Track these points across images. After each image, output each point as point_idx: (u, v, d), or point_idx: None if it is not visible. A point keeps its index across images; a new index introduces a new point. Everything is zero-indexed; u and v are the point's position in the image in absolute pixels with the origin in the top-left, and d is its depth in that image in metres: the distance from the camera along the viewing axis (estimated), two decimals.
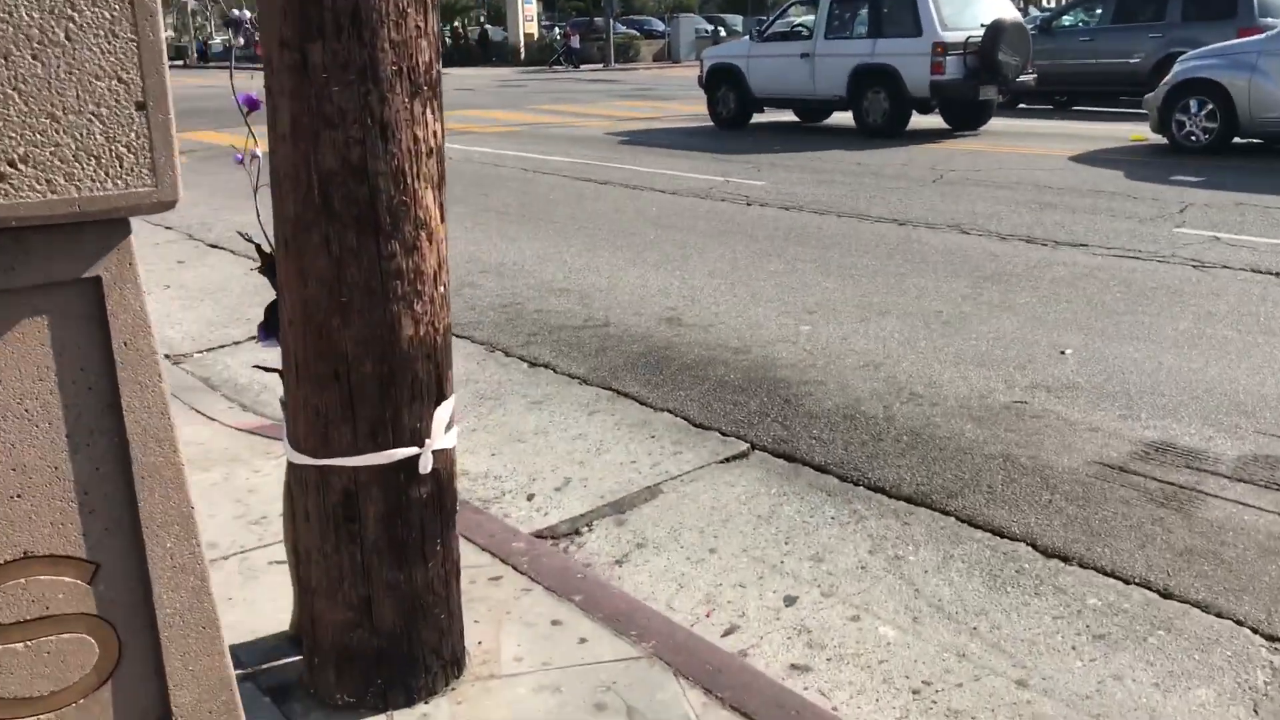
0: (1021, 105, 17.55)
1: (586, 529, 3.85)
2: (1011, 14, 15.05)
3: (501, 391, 5.25)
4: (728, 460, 4.35)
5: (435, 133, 2.40)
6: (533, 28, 52.02)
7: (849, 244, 8.07)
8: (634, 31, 55.92)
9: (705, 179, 11.55)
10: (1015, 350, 5.51)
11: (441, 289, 2.50)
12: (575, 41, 46.19)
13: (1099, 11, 19.37)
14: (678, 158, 13.50)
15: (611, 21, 46.90)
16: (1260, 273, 6.74)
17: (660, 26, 58.52)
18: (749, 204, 9.98)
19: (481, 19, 67.88)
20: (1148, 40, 17.70)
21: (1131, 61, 17.77)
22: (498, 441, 4.62)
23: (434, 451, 2.48)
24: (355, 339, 2.36)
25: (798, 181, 11.17)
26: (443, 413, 2.50)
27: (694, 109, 19.15)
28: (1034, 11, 32.75)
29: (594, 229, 9.06)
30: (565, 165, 13.09)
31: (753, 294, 6.78)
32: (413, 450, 2.44)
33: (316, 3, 2.20)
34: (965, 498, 3.92)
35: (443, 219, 2.49)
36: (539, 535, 3.81)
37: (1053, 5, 53.48)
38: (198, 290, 7.49)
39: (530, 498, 4.09)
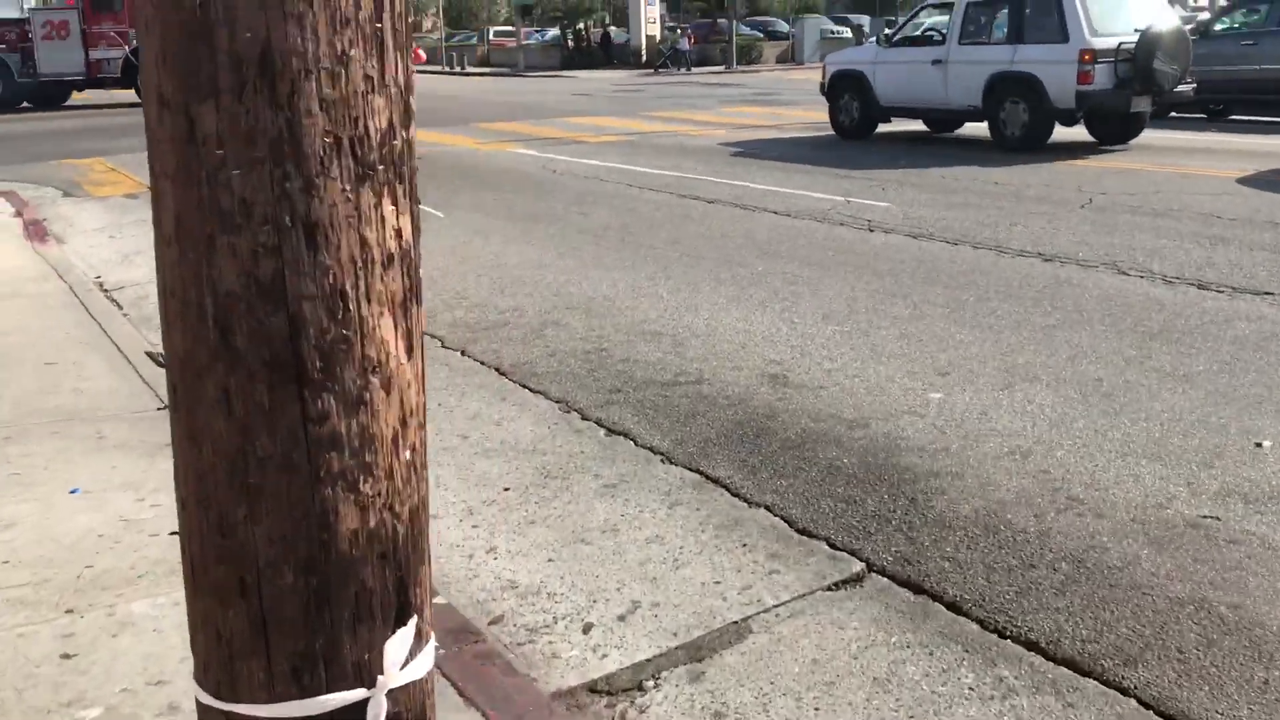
0: (1173, 114, 16.10)
1: (652, 683, 3.03)
2: (1169, 18, 13.70)
3: (570, 468, 4.46)
4: (837, 586, 3.48)
5: (398, 232, 1.60)
6: (655, 30, 51.33)
7: (987, 284, 7.07)
8: (757, 33, 54.84)
9: (824, 199, 10.61)
10: (1197, 438, 4.49)
11: (408, 454, 1.69)
12: (684, 44, 45.26)
13: (1262, 13, 17.76)
14: (794, 173, 12.56)
15: (734, 23, 45.94)
16: None
17: (784, 28, 57.34)
18: (871, 229, 9.03)
19: (606, 20, 67.63)
20: None
21: None
22: (558, 541, 3.84)
23: (391, 692, 1.69)
24: (269, 537, 1.58)
25: (927, 203, 10.15)
26: (403, 637, 1.70)
27: (815, 116, 18.17)
28: (1180, 12, 30.65)
29: (697, 257, 8.23)
30: (673, 180, 12.28)
31: (873, 347, 5.87)
32: (356, 694, 1.65)
33: (207, 42, 1.42)
34: (1148, 666, 2.98)
35: (411, 353, 1.68)
36: (593, 689, 3.01)
37: (1195, 3, 50.68)
38: None
39: (587, 629, 3.30)
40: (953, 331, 6.07)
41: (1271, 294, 6.49)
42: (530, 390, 5.43)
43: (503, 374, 5.70)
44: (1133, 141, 14.00)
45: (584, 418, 5.03)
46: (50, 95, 27.42)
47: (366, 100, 1.51)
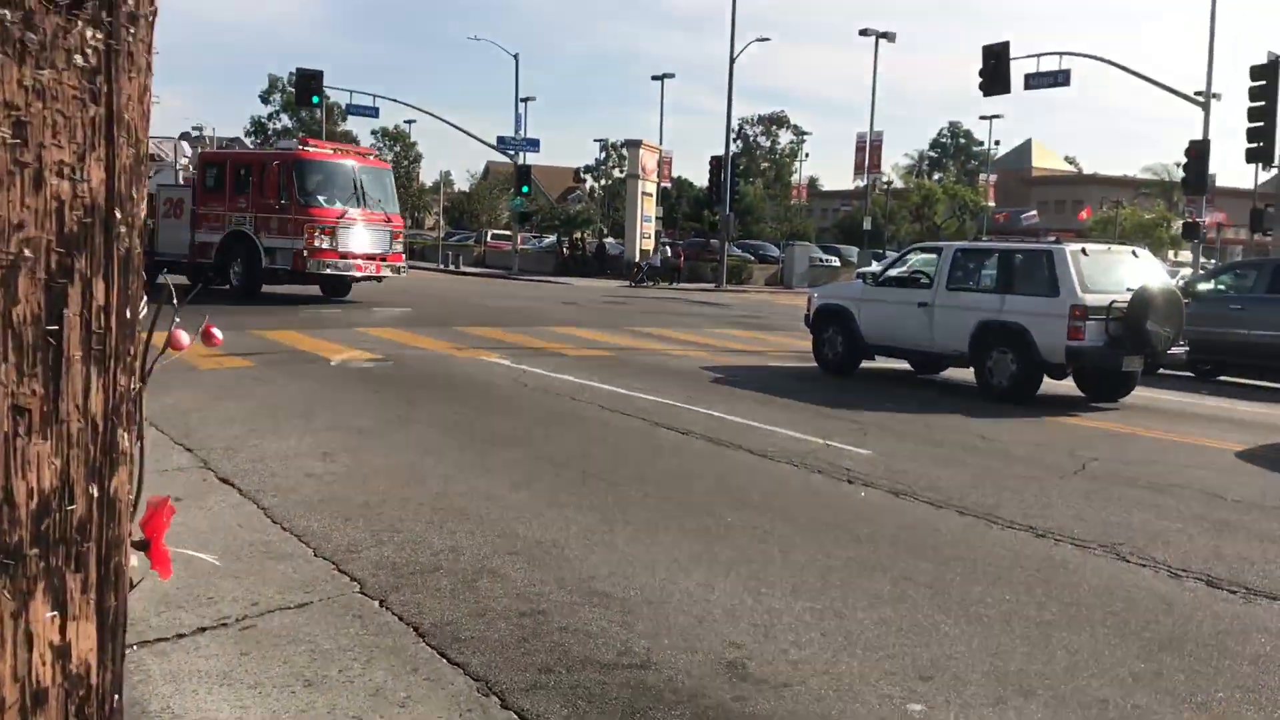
0: (1161, 371, 15.84)
1: None
2: (1161, 279, 13.56)
3: None
4: None
5: (62, 651, 0.96)
6: (649, 243, 52.29)
7: (975, 562, 6.41)
8: (748, 255, 55.95)
9: (802, 440, 10.05)
10: None
11: None
12: (657, 260, 45.98)
13: (1250, 279, 17.82)
14: (774, 407, 12.07)
15: (726, 244, 46.84)
16: None
17: (775, 252, 58.59)
18: (851, 481, 8.42)
19: (602, 231, 69.20)
20: None
21: None
22: None
23: None
24: None
25: (910, 455, 9.59)
26: None
27: (799, 344, 17.88)
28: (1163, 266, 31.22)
29: (662, 499, 7.58)
30: (648, 406, 11.76)
31: (847, 633, 5.15)
32: None
33: None
34: None
35: None
36: None
37: (1175, 257, 52.05)
38: (176, 545, 6.14)
39: None
40: (937, 620, 5.36)
41: None
42: (449, 661, 4.66)
43: (421, 635, 4.94)
44: (1123, 400, 13.63)
45: (504, 705, 4.25)
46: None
47: (13, 449, 0.89)
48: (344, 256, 22.92)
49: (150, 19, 0.94)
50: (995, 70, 30.10)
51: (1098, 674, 4.78)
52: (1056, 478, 8.87)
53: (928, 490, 8.20)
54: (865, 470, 8.82)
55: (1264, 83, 25.28)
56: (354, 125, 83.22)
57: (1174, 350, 13.20)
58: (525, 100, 57.66)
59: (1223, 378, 17.23)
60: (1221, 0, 30.93)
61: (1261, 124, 25.38)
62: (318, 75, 35.16)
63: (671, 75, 68.99)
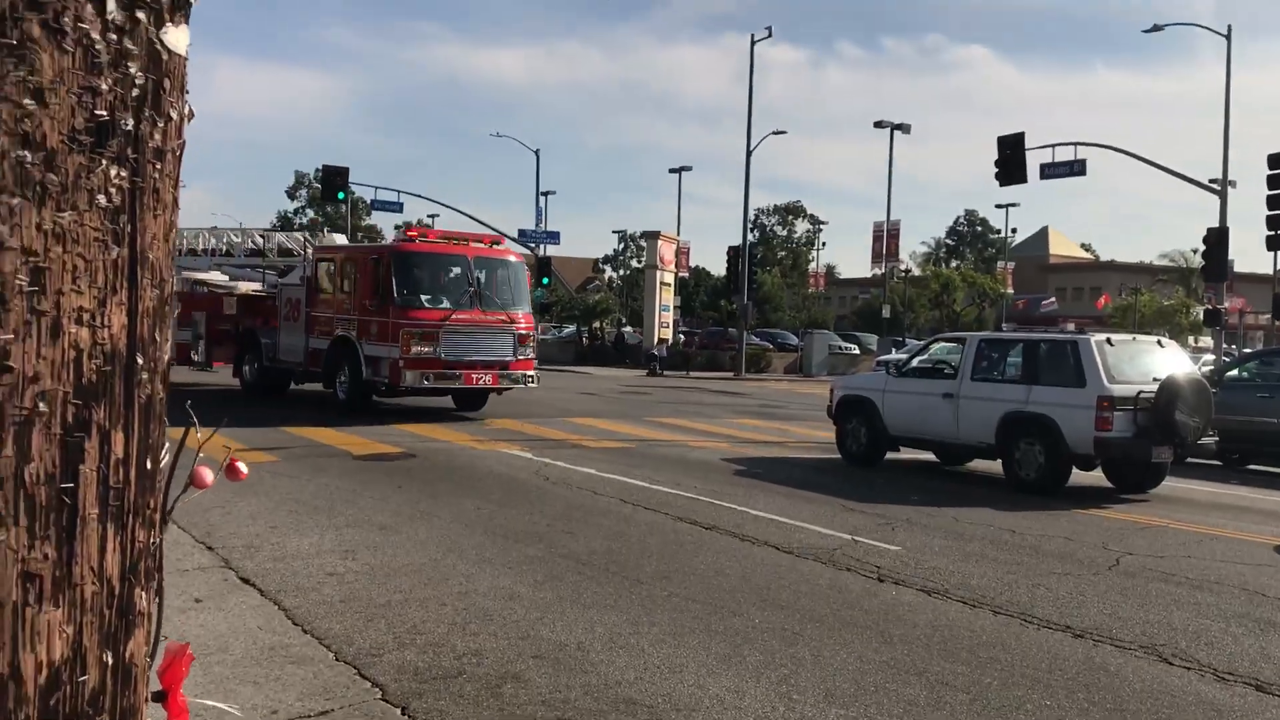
0: (1189, 460, 15.59)
1: None
2: (1187, 369, 13.42)
3: None
4: None
5: None
6: (667, 333, 52.41)
7: (1011, 663, 6.20)
8: (766, 344, 55.98)
9: (829, 535, 9.88)
10: None
11: None
12: (664, 350, 46.01)
13: (1278, 366, 17.65)
14: (799, 501, 11.90)
15: (744, 333, 46.91)
16: None
17: (794, 340, 58.61)
18: (881, 579, 8.23)
19: (621, 321, 69.53)
20: None
21: None
22: None
23: None
24: None
25: (940, 551, 9.40)
26: None
27: (822, 435, 17.73)
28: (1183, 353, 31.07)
29: (687, 599, 7.41)
30: (670, 499, 11.62)
31: None
32: None
33: None
34: None
35: None
36: None
37: (1196, 344, 51.76)
38: (195, 648, 6.02)
39: None
40: None
41: None
42: None
43: None
44: (1153, 491, 13.40)
45: None
46: (276, 384, 22.94)
47: (21, 620, 0.81)
48: (449, 366, 18.86)
49: (178, 152, 0.89)
50: (1011, 160, 30.32)
51: None
52: (1090, 573, 8.66)
53: (960, 588, 8.00)
54: (894, 567, 8.64)
55: None
56: (378, 219, 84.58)
57: (1203, 440, 13.00)
58: (546, 194, 58.48)
59: (1252, 466, 16.95)
60: (1235, 89, 31.23)
61: None
62: (343, 171, 35.75)
63: (689, 168, 69.97)
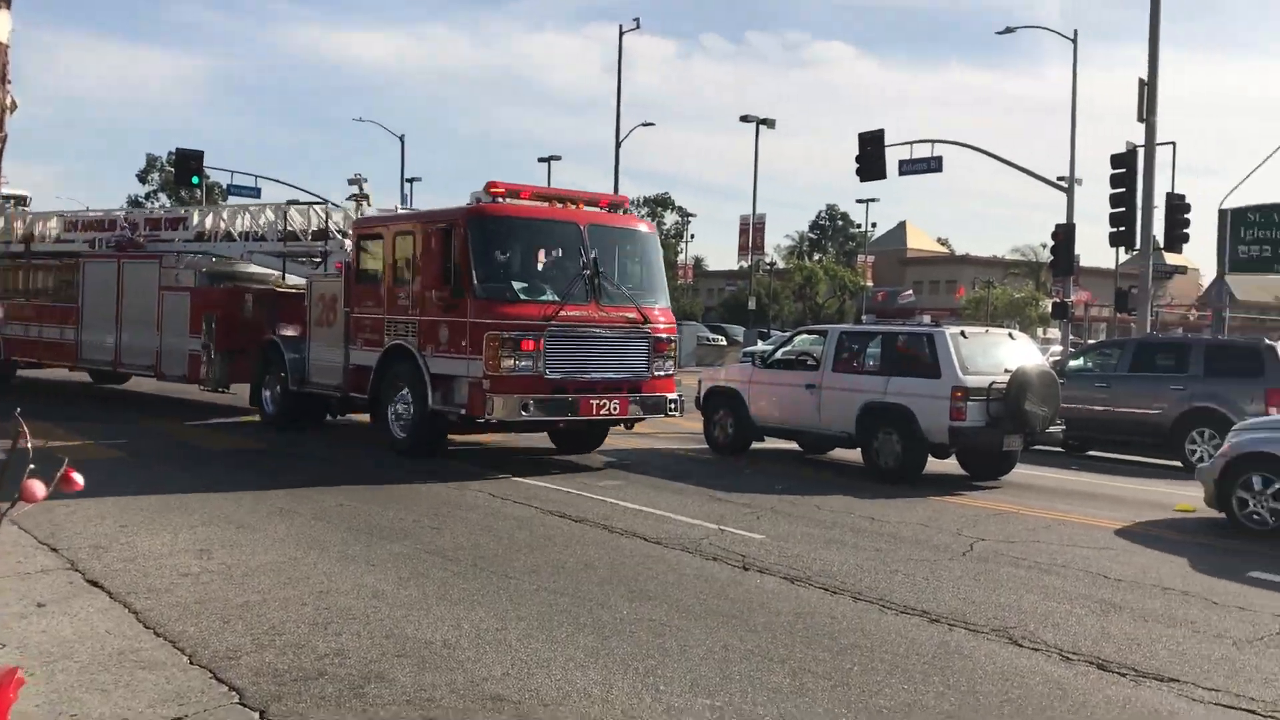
0: (1038, 447, 16.27)
1: None
2: (1037, 361, 14.00)
3: None
4: None
5: None
6: None
7: (871, 648, 6.37)
8: None
9: (697, 525, 9.99)
10: None
11: None
12: None
13: (1114, 357, 18.54)
14: (668, 492, 12.01)
15: None
16: None
17: None
18: (746, 568, 8.36)
19: None
20: (1169, 392, 16.74)
21: (1152, 413, 16.73)
22: None
23: None
24: None
25: (803, 538, 9.60)
26: None
27: (692, 425, 17.91)
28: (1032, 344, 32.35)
29: (556, 592, 7.40)
30: (540, 491, 11.60)
31: None
32: None
33: None
34: None
35: None
36: None
37: (1045, 335, 54.08)
38: (37, 654, 5.76)
39: None
40: (838, 714, 5.29)
41: (1178, 681, 5.92)
42: None
43: None
44: (1004, 478, 13.93)
45: None
46: (306, 414, 16.48)
47: None
48: (559, 389, 12.83)
49: None
50: (871, 156, 31.08)
51: None
52: (946, 559, 8.96)
53: (821, 575, 8.19)
54: (759, 555, 8.78)
55: (1124, 170, 26.58)
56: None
57: (1052, 429, 13.58)
58: (411, 180, 57.56)
59: (1091, 453, 17.78)
60: (1081, 90, 32.64)
61: (1123, 209, 26.62)
62: (198, 155, 34.45)
63: (558, 157, 69.82)
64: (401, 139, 57.10)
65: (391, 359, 13.94)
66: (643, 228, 15.07)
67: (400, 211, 17.11)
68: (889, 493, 12.46)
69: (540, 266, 13.89)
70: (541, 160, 67.21)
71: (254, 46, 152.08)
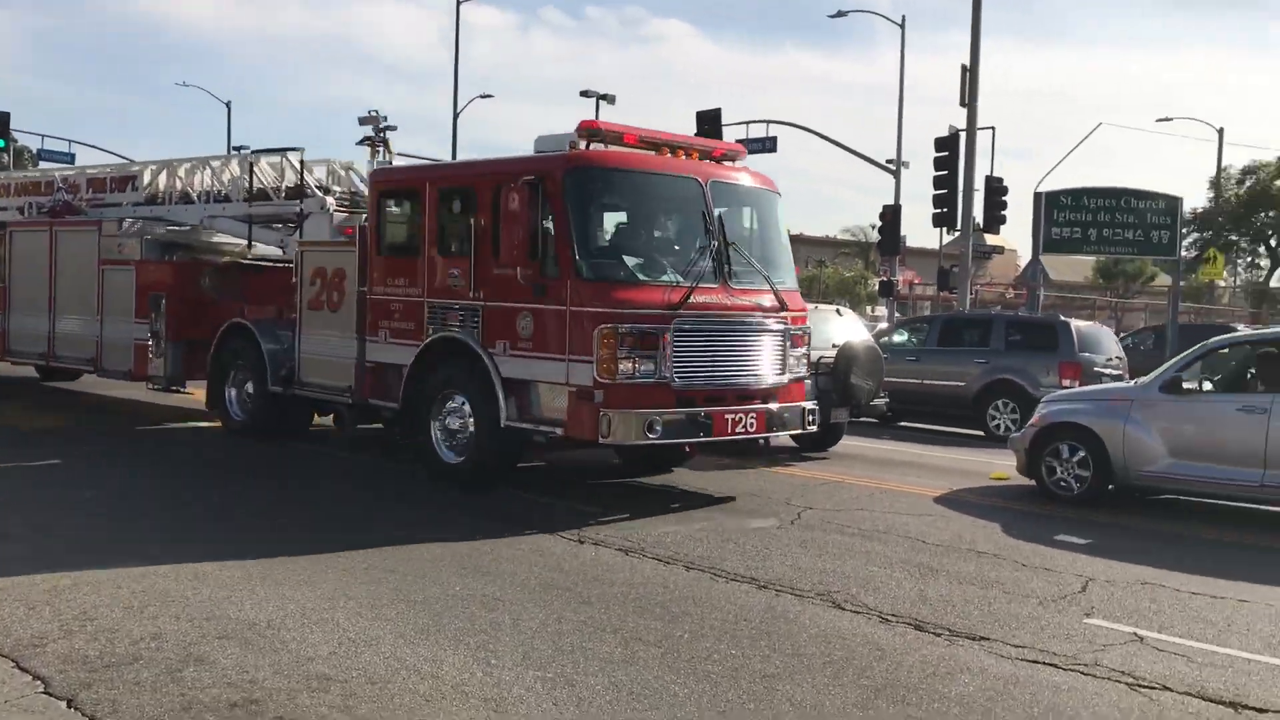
0: (859, 419, 16.85)
1: None
2: (863, 337, 14.45)
3: None
4: None
5: None
6: None
7: (701, 616, 6.49)
8: None
9: (529, 500, 9.97)
10: None
11: None
12: None
13: (926, 334, 19.35)
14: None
15: None
16: (1210, 700, 5.42)
17: None
18: (581, 542, 8.40)
19: None
20: (973, 365, 17.60)
21: (958, 385, 17.58)
22: None
23: None
24: None
25: (640, 510, 9.70)
26: None
27: None
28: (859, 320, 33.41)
29: (386, 570, 7.28)
30: (374, 467, 11.36)
31: (579, 701, 5.07)
32: None
33: None
34: None
35: None
36: None
37: (873, 313, 55.97)
38: None
39: None
40: (667, 680, 5.37)
41: (989, 639, 6.23)
42: None
43: None
44: (831, 449, 14.36)
45: None
46: (286, 422, 13.15)
47: None
48: (687, 400, 9.78)
49: None
50: (709, 135, 31.48)
51: None
52: (775, 528, 9.19)
53: (655, 546, 8.28)
54: (593, 529, 8.82)
55: (946, 153, 27.65)
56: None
57: (876, 402, 14.06)
58: (239, 148, 55.34)
59: (903, 423, 18.42)
60: (909, 75, 33.78)
61: (945, 191, 27.69)
62: (3, 116, 32.34)
63: (394, 128, 68.04)
64: (228, 105, 54.73)
65: (436, 356, 10.63)
66: (769, 187, 11.45)
67: (447, 162, 14.34)
68: (726, 464, 12.68)
69: (656, 236, 10.71)
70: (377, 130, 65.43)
71: (70, 5, 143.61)
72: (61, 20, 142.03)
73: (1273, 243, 56.22)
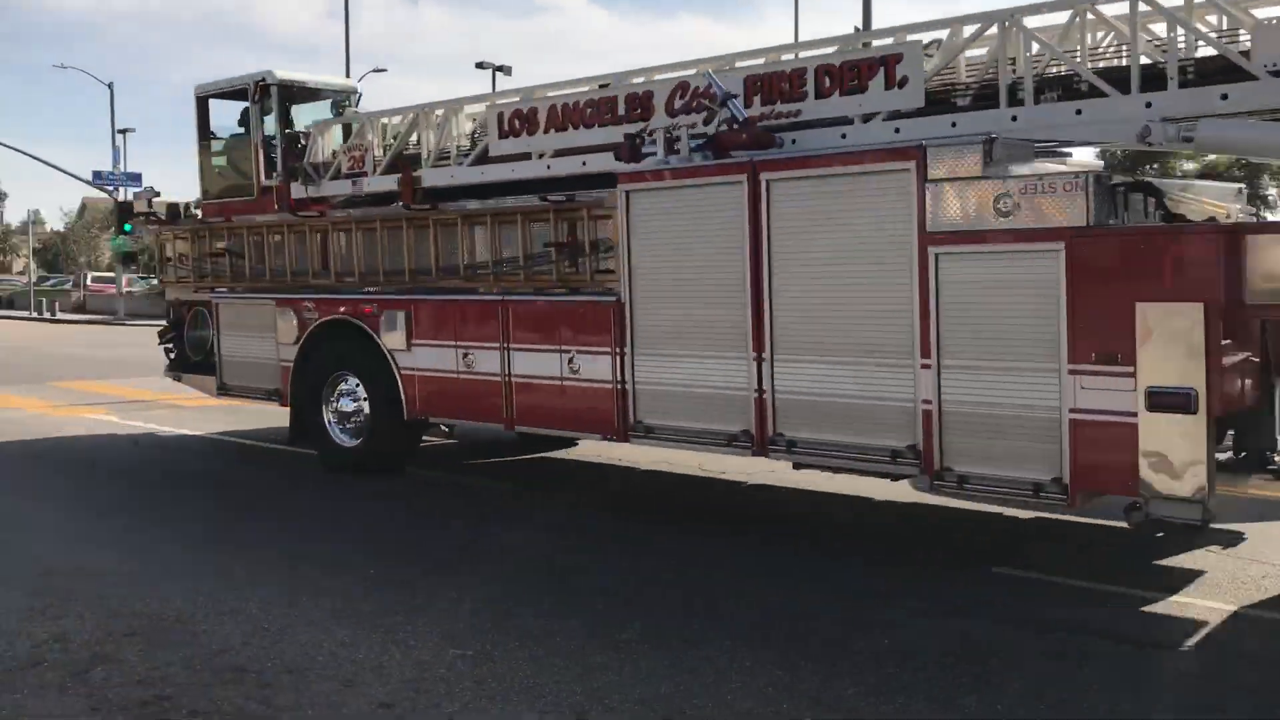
0: None
1: None
2: None
3: None
4: None
5: None
6: None
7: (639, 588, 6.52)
8: None
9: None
10: None
11: None
12: None
13: None
14: None
15: None
16: None
17: None
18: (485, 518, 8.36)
19: None
20: None
21: None
22: None
23: None
24: None
25: (547, 487, 9.69)
26: None
27: None
28: None
29: (298, 556, 7.18)
30: (270, 454, 11.14)
31: (500, 678, 5.04)
32: None
33: None
34: None
35: None
36: None
37: None
38: None
39: None
40: (590, 652, 5.38)
41: None
42: None
43: None
44: None
45: None
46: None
47: None
48: None
49: None
50: None
51: None
52: None
53: (571, 522, 8.28)
54: (508, 505, 8.79)
55: None
56: None
57: None
58: (124, 131, 53.61)
59: None
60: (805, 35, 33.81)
61: None
62: None
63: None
64: (110, 87, 52.78)
65: None
66: None
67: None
68: None
69: None
70: None
71: None
72: None
73: None
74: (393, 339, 9.32)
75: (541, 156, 8.74)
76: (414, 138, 9.92)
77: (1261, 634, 5.58)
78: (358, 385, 9.74)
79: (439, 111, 9.75)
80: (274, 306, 10.25)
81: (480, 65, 51.32)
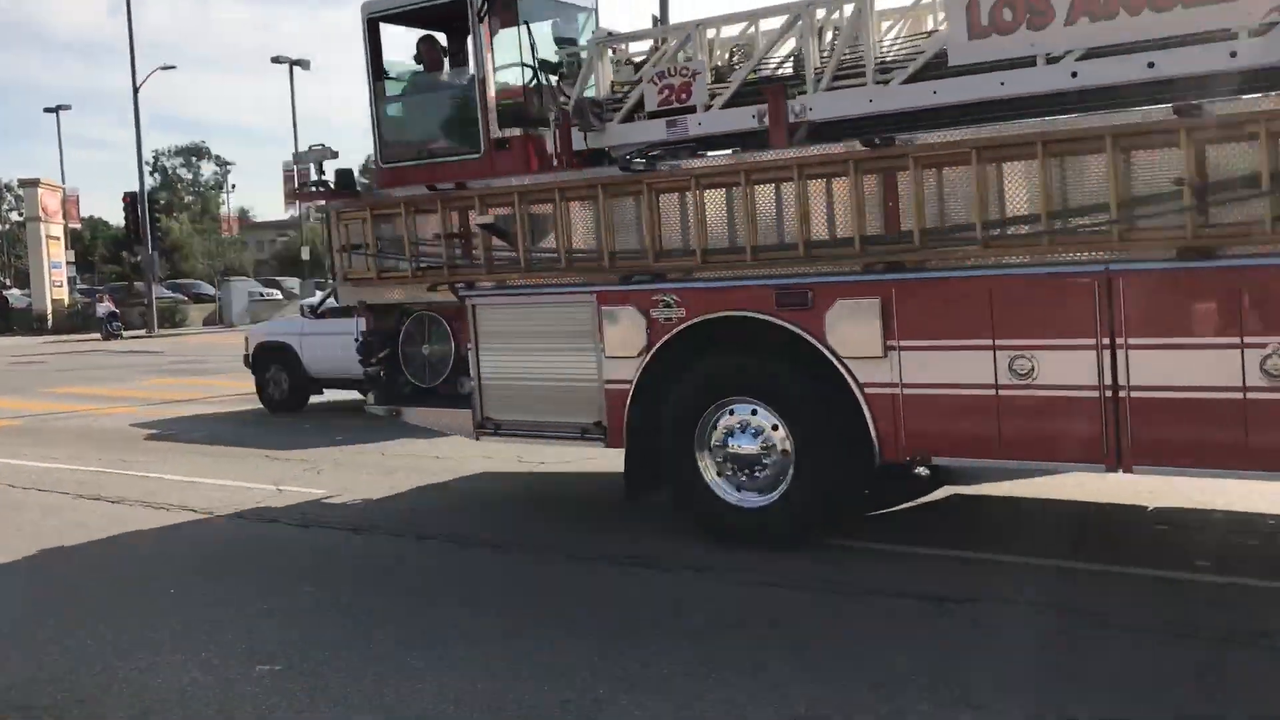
0: None
1: None
2: None
3: None
4: None
5: None
6: (62, 293, 47.33)
7: (426, 587, 6.46)
8: (180, 296, 52.72)
9: (253, 488, 9.54)
10: None
11: None
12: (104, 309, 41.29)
13: None
14: (219, 458, 11.39)
15: (152, 286, 43.54)
16: None
17: (211, 290, 55.79)
18: (306, 525, 8.13)
19: (4, 282, 61.71)
20: None
21: None
22: None
23: None
24: None
25: (366, 486, 9.48)
26: None
27: (245, 387, 16.99)
28: None
29: (94, 581, 6.82)
30: (68, 476, 10.55)
31: (312, 692, 4.91)
32: None
33: None
34: None
35: None
36: None
37: None
38: None
39: None
40: (407, 652, 5.30)
41: None
42: None
43: None
44: None
45: None
46: None
47: None
48: None
49: None
50: None
51: None
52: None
53: (386, 522, 8.14)
54: (319, 511, 8.57)
55: None
56: None
57: None
58: None
59: None
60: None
61: None
62: None
63: (68, 106, 63.42)
64: None
65: None
66: None
67: None
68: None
69: None
70: (48, 110, 60.68)
71: None
72: None
73: None
74: (853, 342, 6.41)
75: (1058, 61, 5.92)
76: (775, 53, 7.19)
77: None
78: (758, 413, 6.80)
79: (823, 10, 6.91)
80: (595, 304, 7.27)
81: (277, 60, 49.65)
